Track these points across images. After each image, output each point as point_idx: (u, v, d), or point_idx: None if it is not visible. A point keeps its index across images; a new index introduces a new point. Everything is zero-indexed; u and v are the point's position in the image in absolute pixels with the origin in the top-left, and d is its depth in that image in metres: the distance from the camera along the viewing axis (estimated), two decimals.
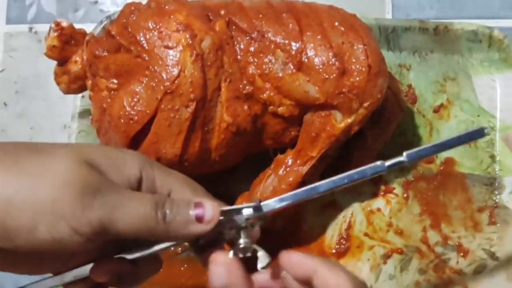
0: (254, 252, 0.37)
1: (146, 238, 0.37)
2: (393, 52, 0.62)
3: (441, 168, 0.60)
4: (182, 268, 0.58)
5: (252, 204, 0.37)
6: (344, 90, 0.48)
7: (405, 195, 0.59)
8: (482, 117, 0.61)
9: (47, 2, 0.65)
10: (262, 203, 0.37)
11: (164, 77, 0.46)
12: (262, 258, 0.36)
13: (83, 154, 0.34)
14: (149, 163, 0.38)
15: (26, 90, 0.65)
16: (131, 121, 0.47)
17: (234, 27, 0.49)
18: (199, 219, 0.36)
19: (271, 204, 0.37)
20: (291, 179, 0.51)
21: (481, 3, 0.64)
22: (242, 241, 0.37)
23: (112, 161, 0.36)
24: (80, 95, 0.59)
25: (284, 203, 0.38)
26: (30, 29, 0.65)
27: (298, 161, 0.51)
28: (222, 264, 0.36)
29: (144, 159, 0.38)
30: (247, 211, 0.36)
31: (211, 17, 0.50)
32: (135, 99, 0.47)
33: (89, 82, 0.51)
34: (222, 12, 0.50)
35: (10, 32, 0.66)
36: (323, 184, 0.39)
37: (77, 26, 0.63)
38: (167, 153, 0.48)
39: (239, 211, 0.36)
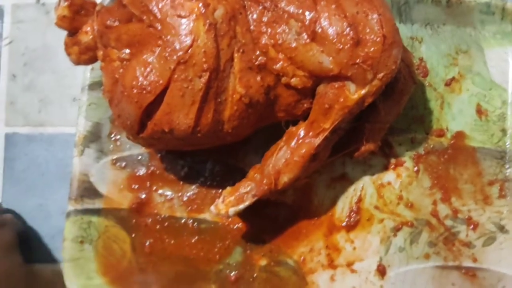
0: None
1: None
2: (404, 24, 0.61)
3: (452, 141, 0.59)
4: (193, 240, 0.58)
5: None
6: (358, 60, 0.47)
7: (415, 168, 0.59)
8: (493, 90, 0.60)
9: None
10: None
11: (177, 46, 0.46)
12: None
13: None
14: None
15: (34, 62, 0.64)
16: (144, 91, 0.47)
17: None
18: None
19: None
20: (303, 151, 0.51)
21: None
22: None
23: None
24: (90, 67, 0.59)
25: None
26: (38, 0, 0.65)
27: (310, 133, 0.51)
28: None
29: None
30: None
31: None
32: (148, 69, 0.47)
33: (100, 53, 0.51)
34: None
35: (17, 3, 0.65)
36: None
37: None
38: (180, 124, 0.47)
39: None
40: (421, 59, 0.61)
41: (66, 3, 0.50)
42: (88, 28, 0.51)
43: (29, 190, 0.62)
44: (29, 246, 0.61)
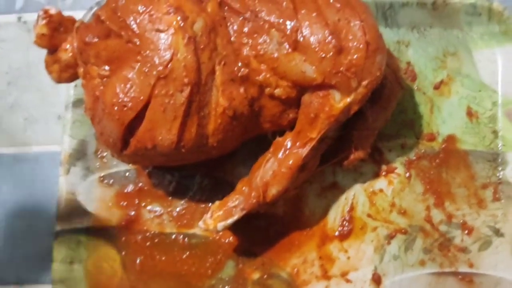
0: None
1: None
2: (390, 28, 0.60)
3: (443, 145, 0.59)
4: (184, 256, 0.57)
5: None
6: (341, 68, 0.47)
7: (407, 174, 0.58)
8: (483, 92, 0.59)
9: None
10: None
11: (157, 61, 0.45)
12: None
13: None
14: None
15: (18, 80, 0.64)
16: (125, 108, 0.46)
17: (226, 7, 0.48)
18: None
19: None
20: (291, 162, 0.50)
21: None
22: None
23: None
24: (73, 84, 0.58)
25: None
26: (19, 18, 0.64)
27: (297, 143, 0.50)
28: None
29: None
30: None
31: None
32: (128, 85, 0.46)
33: (80, 70, 0.50)
34: None
35: None
36: None
37: (66, 13, 0.62)
38: (163, 139, 0.47)
39: None
40: (408, 63, 0.60)
41: (44, 21, 0.49)
42: (68, 46, 0.50)
43: (17, 210, 0.61)
44: (19, 267, 0.60)
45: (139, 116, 0.46)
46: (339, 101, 0.48)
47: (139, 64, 0.46)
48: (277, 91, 0.48)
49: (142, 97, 0.45)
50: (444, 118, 0.59)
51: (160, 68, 0.45)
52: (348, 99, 0.48)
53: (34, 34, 0.50)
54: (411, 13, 0.59)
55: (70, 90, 0.58)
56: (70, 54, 0.50)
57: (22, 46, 0.64)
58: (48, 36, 0.50)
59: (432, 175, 0.58)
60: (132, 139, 0.47)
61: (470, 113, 0.59)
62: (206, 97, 0.47)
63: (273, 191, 0.50)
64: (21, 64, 0.64)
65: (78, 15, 0.59)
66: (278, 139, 0.52)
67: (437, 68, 0.60)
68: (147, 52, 0.45)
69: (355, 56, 0.46)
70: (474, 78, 0.60)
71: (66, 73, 0.51)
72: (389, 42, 0.60)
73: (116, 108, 0.46)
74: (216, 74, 0.47)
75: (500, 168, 0.58)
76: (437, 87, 0.60)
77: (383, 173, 0.58)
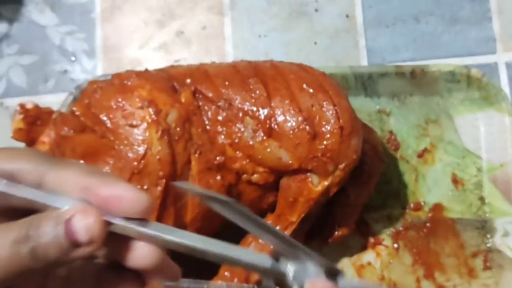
0: None
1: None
2: (371, 98, 0.60)
3: (430, 215, 0.58)
4: None
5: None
6: (317, 154, 0.46)
7: (395, 245, 0.57)
8: (467, 158, 0.59)
9: (16, 75, 0.65)
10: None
11: (131, 156, 0.45)
12: None
13: None
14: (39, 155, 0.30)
15: None
16: None
17: (200, 96, 0.48)
18: (71, 239, 0.26)
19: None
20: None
21: (456, 41, 0.63)
22: None
23: None
24: None
25: None
26: (1, 104, 0.64)
27: (278, 227, 0.50)
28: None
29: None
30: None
31: (177, 87, 0.49)
32: None
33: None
34: (188, 80, 0.49)
35: None
36: None
37: (48, 96, 0.62)
38: None
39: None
40: (391, 132, 0.60)
41: (20, 116, 0.50)
42: (46, 138, 0.50)
43: None
44: None
45: None
46: (317, 184, 0.48)
47: (113, 159, 0.46)
48: (255, 177, 0.48)
49: None
50: (429, 187, 0.59)
51: (135, 163, 0.45)
52: (326, 182, 0.48)
53: (11, 129, 0.50)
54: (390, 82, 0.59)
55: None
56: (48, 147, 0.50)
57: (3, 131, 0.64)
58: (25, 130, 0.50)
59: (421, 246, 0.57)
60: None
61: (455, 180, 0.59)
62: None
63: (255, 276, 0.50)
64: None
65: (60, 97, 0.60)
66: None
67: (419, 136, 0.60)
68: (121, 147, 0.45)
69: (330, 142, 0.46)
70: (457, 145, 0.59)
71: None
72: (370, 112, 0.60)
73: None
74: (192, 163, 0.47)
75: (488, 236, 0.57)
76: (420, 155, 0.59)
77: (371, 245, 0.58)
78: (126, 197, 0.28)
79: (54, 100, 0.62)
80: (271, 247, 0.31)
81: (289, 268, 0.30)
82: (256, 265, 0.30)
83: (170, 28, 0.65)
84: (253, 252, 0.31)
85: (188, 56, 0.64)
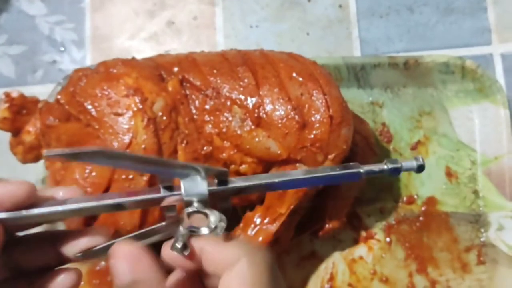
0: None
1: None
2: (364, 89, 0.59)
3: (423, 208, 0.57)
4: None
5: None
6: (306, 143, 0.45)
7: (387, 239, 0.56)
8: (461, 151, 0.58)
9: (4, 65, 0.64)
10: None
11: (116, 145, 0.44)
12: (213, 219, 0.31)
13: None
14: None
15: None
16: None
17: (188, 84, 0.47)
18: None
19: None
20: (261, 238, 0.48)
21: (451, 31, 0.62)
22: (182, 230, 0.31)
23: None
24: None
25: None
26: None
27: (266, 219, 0.49)
28: (125, 257, 0.29)
29: None
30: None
31: (164, 76, 0.48)
32: (88, 170, 0.45)
33: (44, 152, 0.49)
34: (175, 69, 0.48)
35: None
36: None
37: (37, 87, 0.61)
38: (126, 224, 0.45)
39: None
40: (383, 124, 0.59)
41: (6, 105, 0.49)
42: (31, 128, 0.49)
43: None
44: None
45: None
46: None
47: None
48: (243, 168, 0.47)
49: (102, 182, 0.44)
50: (422, 180, 0.58)
51: None
52: None
53: None
54: (384, 73, 0.58)
55: (39, 167, 0.57)
56: (33, 136, 0.49)
57: None
58: (11, 119, 0.49)
59: (413, 240, 0.56)
60: (94, 224, 0.46)
61: (449, 174, 0.58)
62: None
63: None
64: None
65: (48, 88, 0.59)
66: (248, 213, 0.50)
67: (413, 128, 0.59)
68: (106, 136, 0.44)
69: (319, 131, 0.45)
70: (451, 137, 0.58)
71: (30, 154, 0.51)
72: (362, 103, 0.59)
73: None
74: (178, 153, 0.46)
75: (482, 230, 0.56)
76: (414, 147, 0.58)
77: (363, 239, 0.57)
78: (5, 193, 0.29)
79: (43, 91, 0.61)
80: (160, 177, 0.32)
81: (182, 187, 0.32)
82: (151, 198, 0.32)
83: (161, 18, 0.64)
84: (143, 191, 0.32)
85: (178, 46, 0.63)
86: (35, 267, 0.32)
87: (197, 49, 0.62)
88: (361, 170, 0.35)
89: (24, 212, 0.30)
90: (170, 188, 0.32)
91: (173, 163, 0.32)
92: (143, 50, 0.63)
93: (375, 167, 0.35)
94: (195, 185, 0.32)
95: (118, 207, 0.32)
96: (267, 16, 0.63)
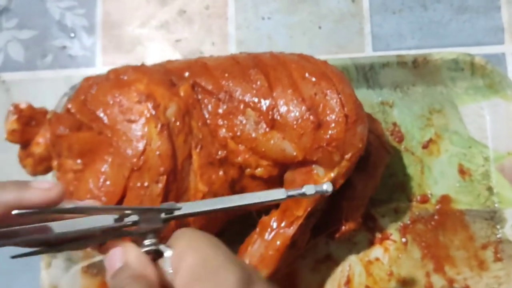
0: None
1: None
2: (373, 90, 0.59)
3: (437, 207, 0.56)
4: None
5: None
6: (322, 144, 0.45)
7: (403, 240, 0.56)
8: (474, 148, 0.58)
9: (14, 50, 0.63)
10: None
11: (130, 153, 0.44)
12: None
13: None
14: None
15: None
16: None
17: (199, 89, 0.47)
18: None
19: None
20: (278, 243, 0.48)
21: (463, 29, 0.61)
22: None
23: None
24: None
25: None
26: None
27: (283, 223, 0.48)
28: (118, 247, 0.34)
29: None
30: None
31: (174, 81, 0.47)
32: (102, 179, 0.44)
33: (54, 163, 0.48)
34: (186, 74, 0.48)
35: None
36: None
37: (46, 72, 0.60)
38: None
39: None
40: (394, 124, 0.59)
41: (14, 117, 0.48)
42: (41, 139, 0.48)
43: None
44: None
45: None
46: (323, 176, 0.46)
47: (112, 156, 0.44)
48: (258, 171, 0.47)
49: (116, 191, 0.44)
50: (435, 178, 0.57)
51: (134, 159, 0.43)
52: (332, 174, 0.46)
53: (5, 130, 0.48)
54: (392, 73, 0.58)
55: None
56: (43, 147, 0.48)
57: (0, 106, 0.62)
58: (20, 131, 0.48)
59: (429, 239, 0.56)
60: None
61: (462, 171, 0.57)
62: (184, 183, 0.45)
63: (262, 274, 0.48)
64: None
65: (58, 74, 0.58)
66: (264, 218, 0.50)
67: (424, 127, 0.58)
68: (120, 143, 0.44)
69: (335, 130, 0.45)
70: (463, 134, 0.58)
71: (40, 166, 0.50)
72: (372, 104, 0.59)
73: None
74: (193, 158, 0.45)
75: (498, 227, 0.56)
76: (425, 146, 0.58)
77: (378, 241, 0.56)
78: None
79: (52, 76, 0.61)
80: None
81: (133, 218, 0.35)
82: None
83: (172, 6, 0.64)
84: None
85: (189, 36, 0.63)
86: None
87: (208, 39, 0.62)
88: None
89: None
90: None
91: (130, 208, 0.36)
92: (153, 38, 0.63)
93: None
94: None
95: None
96: (279, 8, 0.63)
